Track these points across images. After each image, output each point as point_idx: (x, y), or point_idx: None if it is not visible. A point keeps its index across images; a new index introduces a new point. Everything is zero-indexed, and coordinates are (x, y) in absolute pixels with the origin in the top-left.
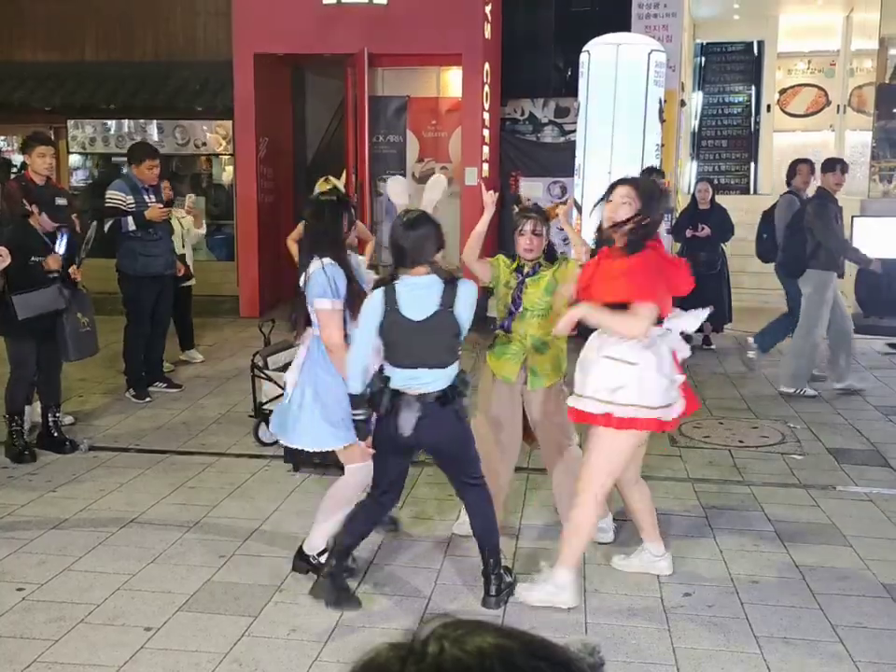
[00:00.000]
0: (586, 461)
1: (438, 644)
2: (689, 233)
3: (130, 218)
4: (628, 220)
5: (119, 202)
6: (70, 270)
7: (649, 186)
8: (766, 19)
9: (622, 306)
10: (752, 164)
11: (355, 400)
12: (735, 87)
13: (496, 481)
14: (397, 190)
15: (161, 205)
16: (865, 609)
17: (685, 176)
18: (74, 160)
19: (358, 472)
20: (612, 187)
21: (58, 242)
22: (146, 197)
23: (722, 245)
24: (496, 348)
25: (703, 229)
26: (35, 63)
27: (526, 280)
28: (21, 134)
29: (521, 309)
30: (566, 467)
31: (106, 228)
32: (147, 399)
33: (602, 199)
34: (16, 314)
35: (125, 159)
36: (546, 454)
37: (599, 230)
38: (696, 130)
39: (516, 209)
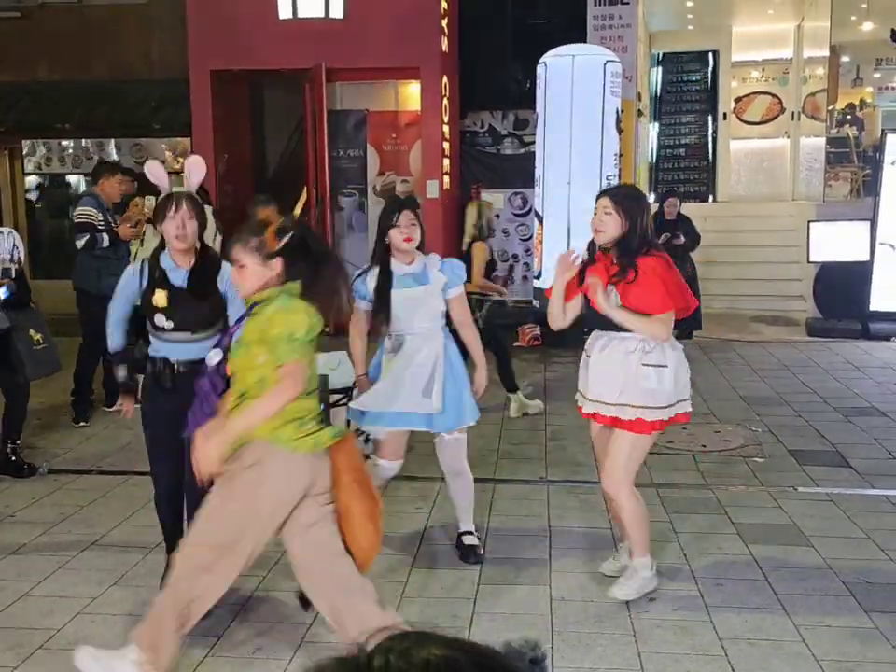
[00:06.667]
0: (614, 463)
1: (383, 657)
2: (663, 239)
3: (105, 235)
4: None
5: (92, 217)
6: None
7: (627, 192)
8: (720, 29)
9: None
10: (711, 172)
11: None
12: (692, 96)
13: None
14: (158, 173)
15: (129, 224)
16: (828, 609)
17: (644, 185)
18: (30, 180)
19: None
20: (596, 199)
21: None
22: (109, 216)
23: (690, 253)
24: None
25: (678, 237)
26: None
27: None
28: None
29: None
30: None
31: (81, 244)
32: (83, 424)
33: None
34: None
35: (84, 177)
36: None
37: (591, 243)
38: (654, 140)
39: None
